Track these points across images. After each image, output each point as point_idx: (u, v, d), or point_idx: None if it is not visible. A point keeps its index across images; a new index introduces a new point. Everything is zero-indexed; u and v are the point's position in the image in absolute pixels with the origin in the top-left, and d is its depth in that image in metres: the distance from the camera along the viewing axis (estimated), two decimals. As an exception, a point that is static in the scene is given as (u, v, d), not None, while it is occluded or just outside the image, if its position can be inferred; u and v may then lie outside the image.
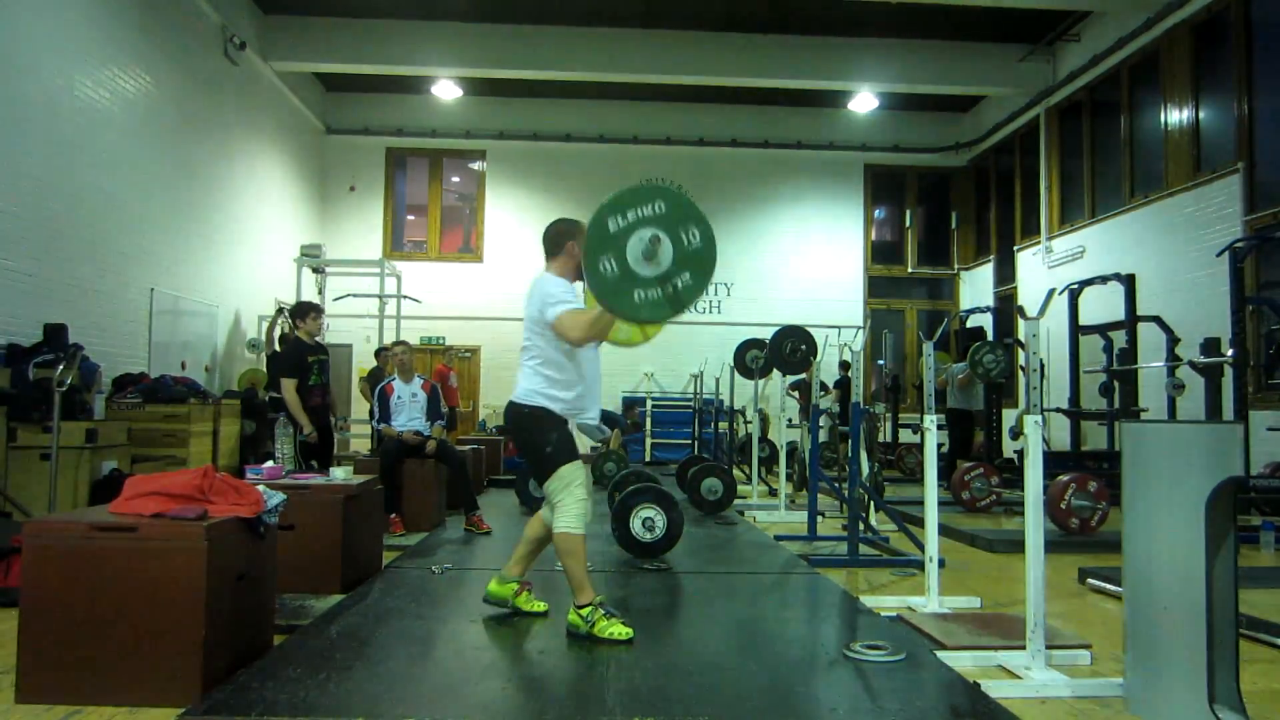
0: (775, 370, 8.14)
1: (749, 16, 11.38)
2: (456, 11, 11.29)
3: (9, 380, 6.10)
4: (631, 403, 12.89)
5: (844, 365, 11.13)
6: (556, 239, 3.55)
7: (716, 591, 4.37)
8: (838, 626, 3.80)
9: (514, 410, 3.49)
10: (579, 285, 3.44)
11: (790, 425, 9.67)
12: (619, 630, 3.25)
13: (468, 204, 14.76)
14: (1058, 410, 9.73)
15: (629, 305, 2.85)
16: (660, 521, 5.07)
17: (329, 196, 14.07)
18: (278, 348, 9.13)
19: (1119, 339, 8.95)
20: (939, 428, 4.52)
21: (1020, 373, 10.24)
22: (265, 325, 10.34)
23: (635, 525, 5.07)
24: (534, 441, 3.44)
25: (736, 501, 7.59)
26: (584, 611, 3.29)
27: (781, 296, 14.26)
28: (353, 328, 13.24)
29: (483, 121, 14.09)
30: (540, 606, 3.68)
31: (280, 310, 9.82)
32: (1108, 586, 4.62)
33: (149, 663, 2.74)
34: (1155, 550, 2.83)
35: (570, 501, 3.36)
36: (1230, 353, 6.78)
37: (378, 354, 9.51)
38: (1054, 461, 8.01)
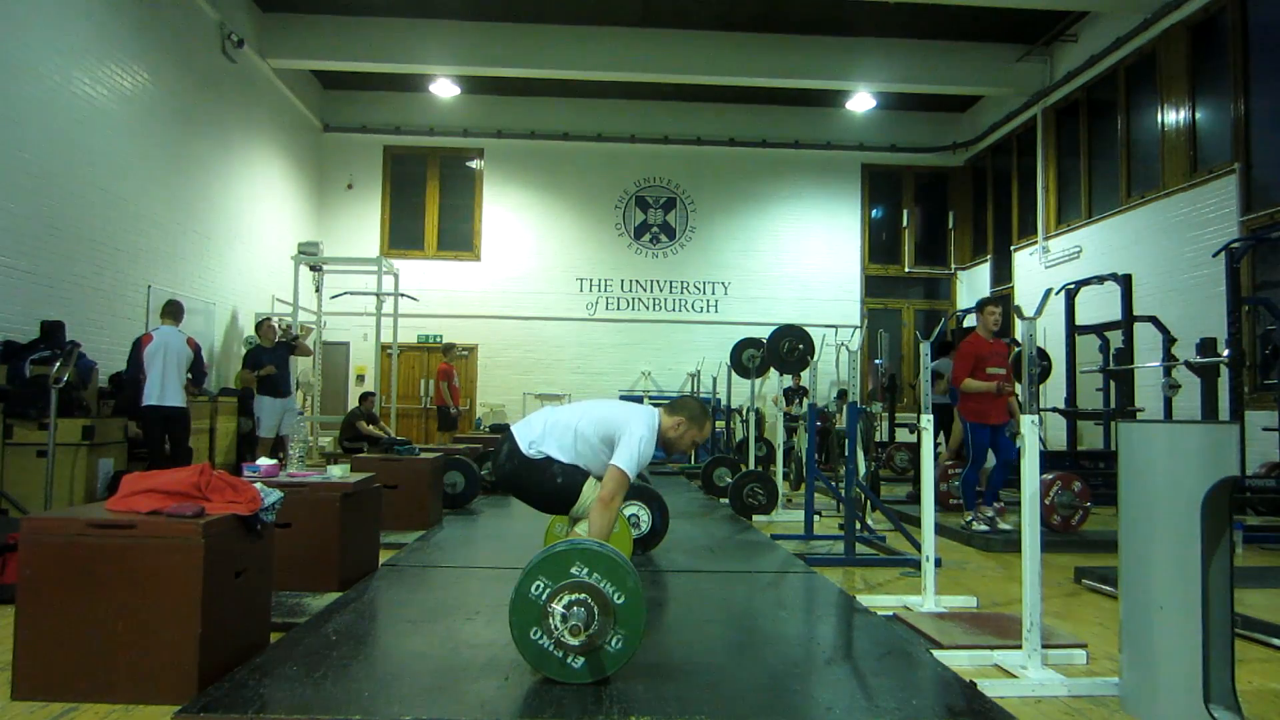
0: (772, 369, 8.15)
1: (747, 16, 11.38)
2: (454, 10, 11.28)
3: (6, 377, 6.10)
4: None
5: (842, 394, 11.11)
6: (675, 410, 3.63)
7: (713, 590, 4.37)
8: (834, 625, 3.81)
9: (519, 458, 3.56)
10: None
11: (789, 419, 9.68)
12: None
13: (465, 202, 14.73)
14: (1054, 410, 9.75)
15: (561, 673, 2.78)
16: (645, 518, 5.12)
17: (326, 194, 14.06)
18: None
19: (1115, 339, 8.96)
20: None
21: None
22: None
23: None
24: (532, 479, 3.55)
25: (734, 500, 7.61)
26: None
27: (779, 295, 14.28)
28: (350, 325, 13.24)
29: (480, 120, 14.08)
30: None
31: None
32: (1103, 586, 4.63)
33: (145, 660, 2.74)
34: (1151, 550, 2.84)
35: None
36: (1226, 353, 6.79)
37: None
38: (1050, 461, 8.01)
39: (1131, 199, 10.00)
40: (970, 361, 6.12)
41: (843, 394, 11.06)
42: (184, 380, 6.73)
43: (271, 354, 9.07)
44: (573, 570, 2.76)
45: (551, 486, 3.49)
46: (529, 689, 2.76)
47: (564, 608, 2.71)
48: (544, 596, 2.74)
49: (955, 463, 7.91)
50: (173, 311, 6.76)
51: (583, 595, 2.72)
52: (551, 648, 2.75)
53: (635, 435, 3.37)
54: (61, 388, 5.71)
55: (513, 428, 3.64)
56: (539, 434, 3.54)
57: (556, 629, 2.71)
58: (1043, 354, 9.45)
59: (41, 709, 2.68)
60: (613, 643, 2.76)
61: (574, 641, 2.69)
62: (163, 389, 6.50)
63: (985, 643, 3.49)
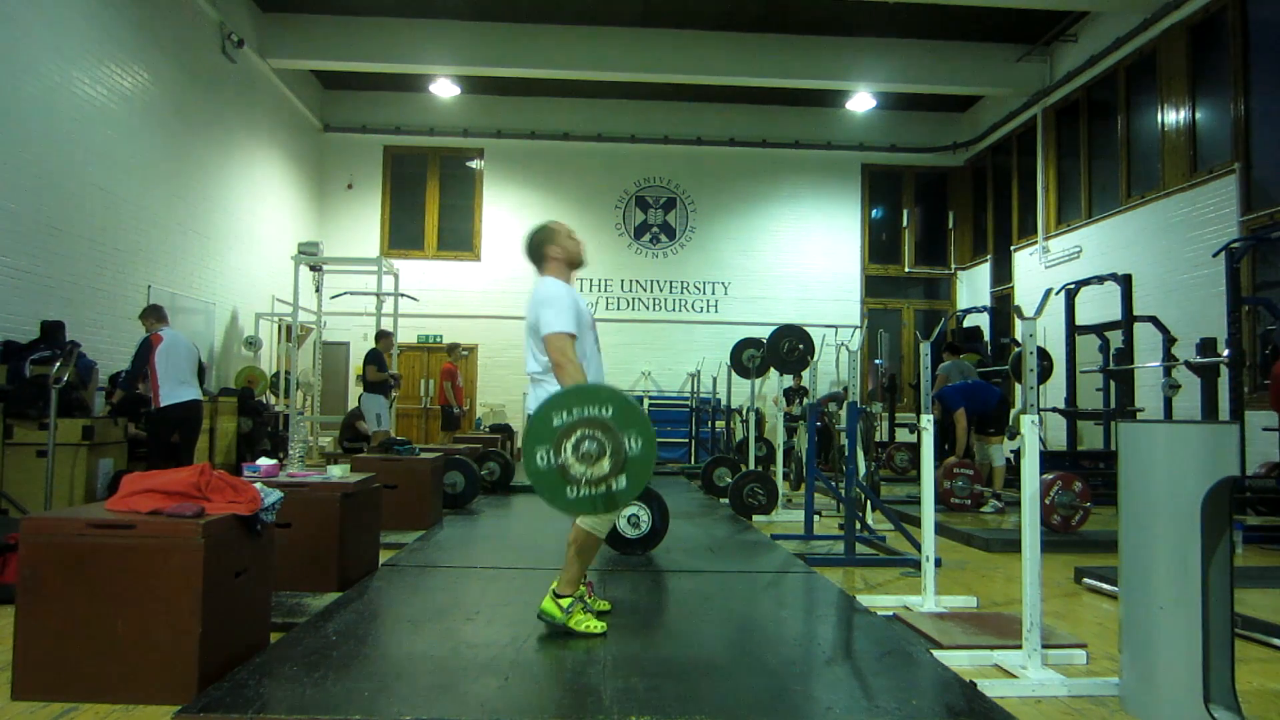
0: (773, 369, 8.15)
1: (747, 16, 11.38)
2: (454, 10, 11.28)
3: (6, 377, 6.10)
4: None
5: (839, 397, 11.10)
6: (535, 251, 3.58)
7: (713, 590, 4.37)
8: (834, 625, 3.81)
9: None
10: (571, 291, 3.44)
11: (789, 419, 9.68)
12: (594, 625, 3.33)
13: (465, 202, 14.74)
14: (1054, 410, 9.75)
15: (560, 501, 2.90)
16: (645, 518, 5.14)
17: (326, 194, 14.06)
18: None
19: (1115, 339, 8.97)
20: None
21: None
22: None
23: (620, 522, 5.13)
24: None
25: (733, 500, 7.61)
26: (564, 603, 3.33)
27: (779, 295, 14.28)
28: (350, 325, 13.24)
29: (480, 120, 14.09)
30: (604, 605, 3.70)
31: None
32: (1104, 586, 4.64)
33: (145, 660, 2.74)
34: (1151, 550, 2.84)
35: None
36: (1226, 353, 6.80)
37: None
38: (1050, 461, 8.02)
39: (1131, 199, 10.00)
40: None
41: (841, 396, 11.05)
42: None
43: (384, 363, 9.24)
44: (598, 409, 2.89)
45: None
46: (529, 689, 2.76)
47: (581, 438, 2.85)
48: (564, 421, 2.87)
49: (960, 464, 7.93)
50: (163, 315, 6.65)
51: (599, 433, 2.86)
52: (556, 473, 2.87)
53: (545, 303, 3.35)
54: (61, 388, 5.70)
55: None
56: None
57: (568, 455, 2.85)
58: (1043, 354, 9.45)
59: (42, 709, 2.68)
60: (617, 484, 2.87)
61: (582, 473, 2.81)
62: (181, 388, 6.34)
63: (985, 643, 3.49)
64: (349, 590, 4.08)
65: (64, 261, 7.20)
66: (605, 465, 2.83)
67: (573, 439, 2.85)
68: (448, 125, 14.06)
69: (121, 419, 6.84)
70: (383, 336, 9.62)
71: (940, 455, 9.37)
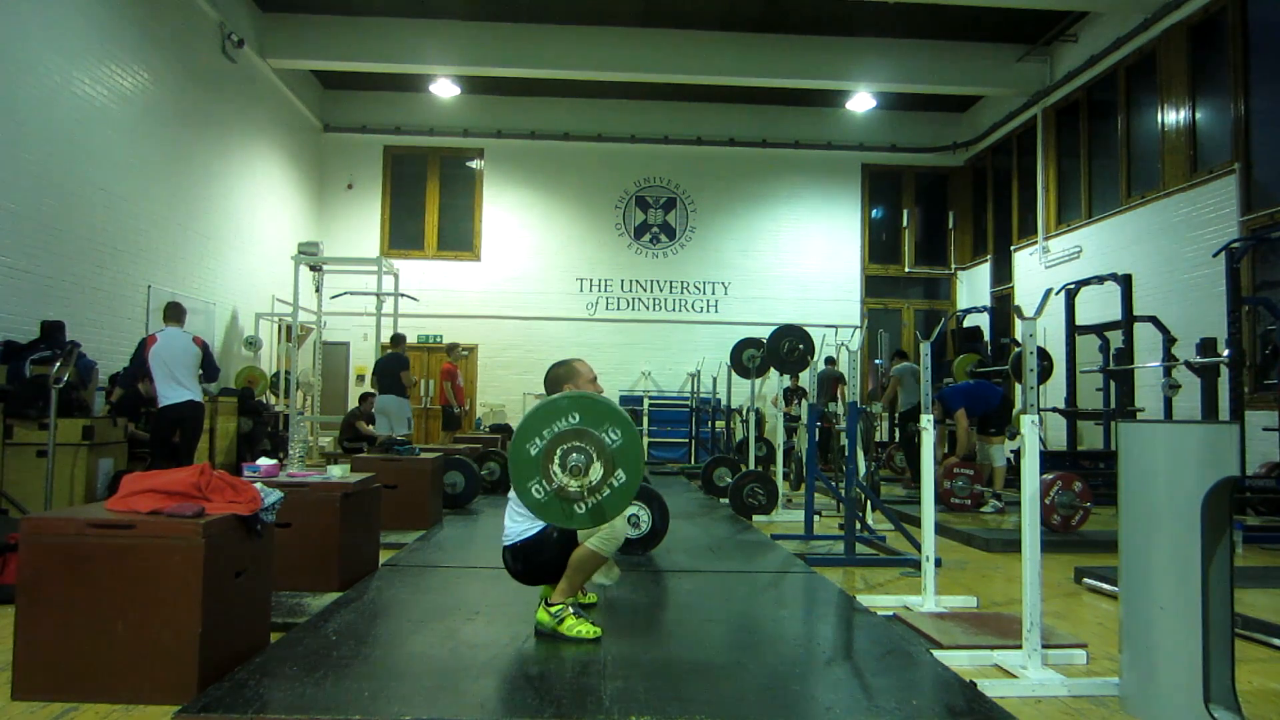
0: (773, 369, 8.16)
1: (747, 16, 11.38)
2: (454, 10, 11.29)
3: (6, 377, 6.10)
4: None
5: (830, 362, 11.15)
6: (553, 385, 3.62)
7: (713, 590, 4.37)
8: (834, 625, 3.81)
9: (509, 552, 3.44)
10: None
11: (789, 420, 9.69)
12: (586, 629, 3.25)
13: (465, 202, 14.74)
14: (1054, 410, 9.75)
15: (574, 521, 2.98)
16: (645, 518, 5.14)
17: (326, 194, 14.06)
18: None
19: (1115, 339, 8.96)
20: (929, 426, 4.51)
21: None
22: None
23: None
24: (541, 557, 3.37)
25: (733, 500, 7.61)
26: (554, 609, 3.30)
27: (778, 295, 14.28)
28: (349, 325, 13.24)
29: (480, 120, 14.09)
30: (591, 598, 3.73)
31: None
32: (1104, 586, 4.64)
33: (145, 660, 2.74)
34: (1151, 550, 2.84)
35: (609, 530, 3.26)
36: (1226, 353, 6.80)
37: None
38: (1050, 461, 8.02)
39: (1131, 199, 10.00)
40: None
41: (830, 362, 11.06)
42: (197, 376, 6.60)
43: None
44: (565, 420, 2.93)
45: (554, 547, 3.34)
46: (529, 689, 2.76)
47: (562, 454, 2.91)
48: (541, 446, 2.91)
49: (960, 464, 7.92)
50: (175, 314, 6.65)
51: (576, 443, 2.91)
52: (554, 498, 2.92)
53: None
54: (61, 388, 5.70)
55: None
56: (506, 527, 3.48)
57: (557, 476, 2.89)
58: (1043, 354, 9.45)
59: (41, 709, 2.68)
60: (616, 481, 2.92)
61: (577, 487, 2.86)
62: (174, 389, 6.33)
63: (985, 643, 3.49)
64: (349, 590, 4.08)
65: (64, 261, 7.20)
66: (597, 471, 2.84)
67: (555, 460, 2.87)
68: (448, 125, 14.06)
69: (121, 419, 6.84)
70: (401, 340, 9.80)
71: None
